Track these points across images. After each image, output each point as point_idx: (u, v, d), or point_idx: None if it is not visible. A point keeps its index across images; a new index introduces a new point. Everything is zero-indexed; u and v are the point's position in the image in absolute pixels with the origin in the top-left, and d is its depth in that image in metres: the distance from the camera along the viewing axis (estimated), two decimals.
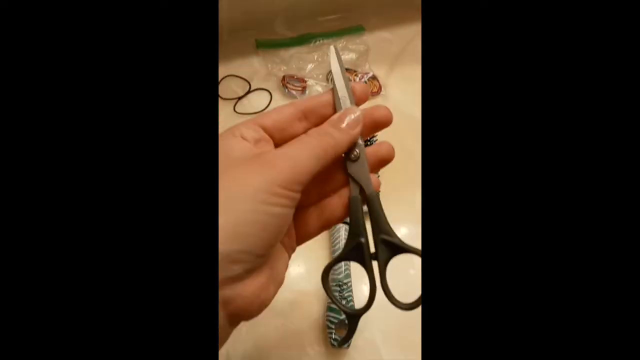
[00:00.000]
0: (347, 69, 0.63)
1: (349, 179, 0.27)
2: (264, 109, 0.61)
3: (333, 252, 0.46)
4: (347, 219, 0.28)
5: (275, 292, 0.25)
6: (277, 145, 0.26)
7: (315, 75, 0.63)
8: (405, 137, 0.59)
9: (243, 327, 0.43)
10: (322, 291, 0.45)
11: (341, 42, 0.67)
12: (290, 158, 0.22)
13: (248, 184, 0.21)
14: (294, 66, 0.64)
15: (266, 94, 0.62)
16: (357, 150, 0.27)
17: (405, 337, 0.43)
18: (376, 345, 0.43)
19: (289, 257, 0.27)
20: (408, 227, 0.51)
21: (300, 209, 0.28)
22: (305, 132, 0.25)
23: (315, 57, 0.65)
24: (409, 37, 0.70)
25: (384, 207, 0.27)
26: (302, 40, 0.67)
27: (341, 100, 0.26)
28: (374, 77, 0.63)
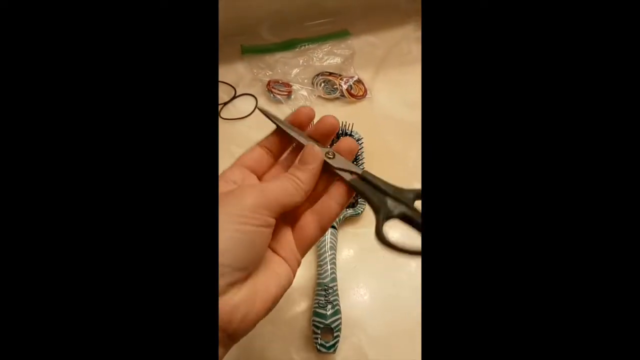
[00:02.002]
0: (331, 73, 0.63)
1: (336, 174, 0.31)
2: (250, 114, 0.60)
3: (319, 256, 0.46)
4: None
5: (265, 304, 0.26)
6: (260, 177, 0.32)
7: (300, 80, 0.63)
8: (391, 139, 0.59)
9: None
10: (309, 297, 0.45)
11: (326, 47, 0.67)
12: (260, 190, 0.27)
13: (223, 211, 0.25)
14: (279, 71, 0.64)
15: (252, 99, 0.62)
16: (331, 151, 0.31)
17: (392, 342, 0.43)
18: (363, 350, 0.42)
19: (293, 270, 0.30)
20: (396, 229, 0.51)
21: (296, 217, 0.31)
22: (272, 164, 0.33)
23: (301, 61, 0.65)
24: (394, 41, 0.70)
25: (371, 210, 0.30)
26: (287, 45, 0.67)
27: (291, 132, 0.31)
28: (359, 81, 0.63)
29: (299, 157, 0.30)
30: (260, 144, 0.33)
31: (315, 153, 0.30)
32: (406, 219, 0.29)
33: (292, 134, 0.31)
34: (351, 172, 0.31)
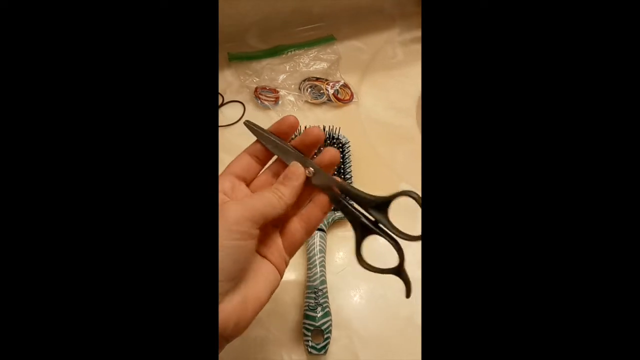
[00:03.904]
0: (318, 78, 0.64)
1: (317, 189, 0.33)
2: (238, 121, 0.61)
3: (308, 259, 0.46)
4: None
5: (256, 310, 0.29)
6: (248, 184, 0.33)
7: (287, 86, 0.64)
8: (377, 143, 0.59)
9: None
10: (300, 300, 0.45)
11: (313, 52, 0.68)
12: (243, 203, 0.28)
13: None
14: (266, 77, 0.64)
15: (239, 105, 0.63)
16: (310, 168, 0.32)
17: (383, 343, 0.44)
18: (353, 351, 0.43)
19: (281, 271, 0.32)
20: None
21: (284, 223, 0.33)
22: (259, 171, 0.34)
23: (287, 67, 0.66)
24: (379, 45, 0.71)
25: None
26: (274, 52, 0.68)
27: (276, 146, 0.33)
28: (345, 86, 0.64)
29: (284, 173, 0.32)
30: (247, 150, 0.34)
31: (298, 173, 0.32)
32: (382, 232, 0.32)
33: (276, 151, 0.33)
34: (332, 187, 0.33)
